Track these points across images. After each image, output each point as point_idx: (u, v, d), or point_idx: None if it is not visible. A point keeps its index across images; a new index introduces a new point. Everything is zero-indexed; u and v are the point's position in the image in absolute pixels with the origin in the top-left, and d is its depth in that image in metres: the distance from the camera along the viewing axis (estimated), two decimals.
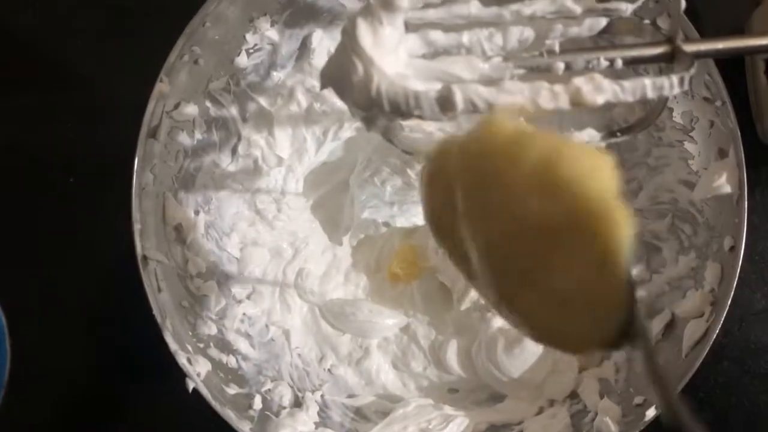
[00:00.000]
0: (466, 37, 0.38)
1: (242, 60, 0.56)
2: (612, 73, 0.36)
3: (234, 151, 0.58)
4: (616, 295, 0.27)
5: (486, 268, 0.32)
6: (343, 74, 0.35)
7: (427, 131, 0.42)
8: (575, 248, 0.27)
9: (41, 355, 0.65)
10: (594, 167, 0.28)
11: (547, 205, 0.28)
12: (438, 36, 0.38)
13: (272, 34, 0.56)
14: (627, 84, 0.33)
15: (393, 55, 0.35)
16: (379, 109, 0.35)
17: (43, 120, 0.68)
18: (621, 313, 0.27)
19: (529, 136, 0.29)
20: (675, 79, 0.33)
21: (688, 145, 0.52)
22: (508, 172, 0.29)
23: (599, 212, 0.26)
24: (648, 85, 0.33)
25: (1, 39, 0.69)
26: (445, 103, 0.33)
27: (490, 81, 0.35)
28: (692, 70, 0.34)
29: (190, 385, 0.50)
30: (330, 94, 0.58)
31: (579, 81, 0.33)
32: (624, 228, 0.26)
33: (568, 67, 0.37)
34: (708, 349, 0.48)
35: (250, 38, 0.55)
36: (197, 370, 0.51)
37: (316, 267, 0.63)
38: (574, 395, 0.56)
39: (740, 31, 0.62)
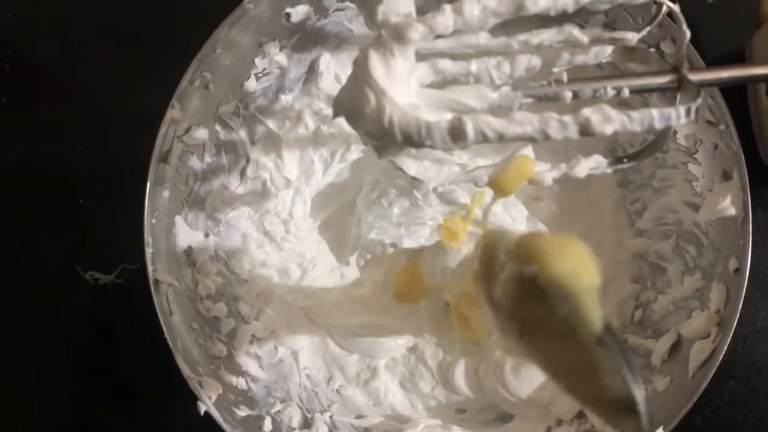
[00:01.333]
0: (474, 66, 0.38)
1: (251, 84, 0.57)
2: (614, 99, 0.37)
3: (243, 174, 0.59)
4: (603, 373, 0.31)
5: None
6: (356, 105, 0.36)
7: (436, 158, 0.42)
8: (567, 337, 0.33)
9: (46, 374, 0.65)
10: (575, 272, 0.34)
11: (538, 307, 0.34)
12: (447, 65, 0.38)
13: (281, 58, 0.57)
14: (635, 114, 0.34)
15: (404, 86, 0.36)
16: (391, 139, 0.35)
17: (53, 142, 0.69)
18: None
19: (527, 250, 0.36)
20: (682, 109, 0.34)
21: (692, 167, 0.53)
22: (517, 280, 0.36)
23: (575, 311, 0.32)
24: (655, 116, 0.34)
25: (13, 62, 0.70)
26: (456, 134, 0.34)
27: (499, 110, 0.36)
28: (699, 100, 0.35)
29: (202, 409, 0.50)
30: (332, 120, 0.59)
31: (588, 111, 0.34)
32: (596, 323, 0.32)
33: (575, 95, 0.38)
34: (715, 369, 0.49)
35: (259, 63, 0.56)
36: (208, 393, 0.51)
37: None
38: (581, 415, 0.56)
39: (740, 53, 0.63)
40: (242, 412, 0.53)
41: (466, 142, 0.34)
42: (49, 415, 0.65)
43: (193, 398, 0.51)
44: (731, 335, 0.49)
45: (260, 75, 0.57)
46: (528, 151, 0.39)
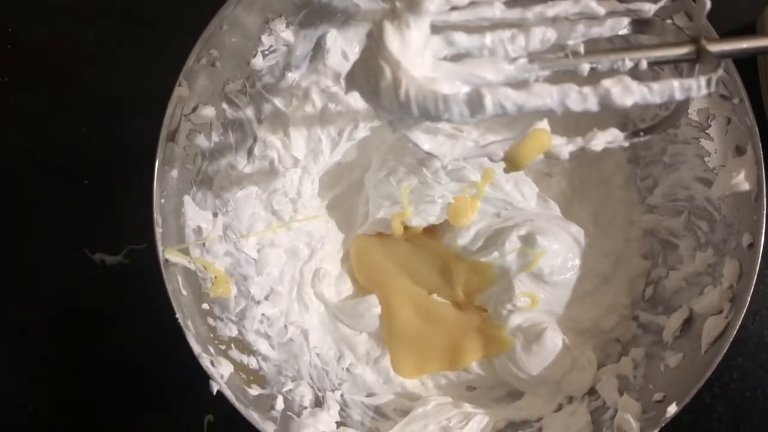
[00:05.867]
0: (488, 39, 0.38)
1: (258, 62, 0.56)
2: (630, 72, 0.37)
3: (250, 153, 0.58)
4: None
5: None
6: (370, 79, 0.35)
7: (449, 133, 0.42)
8: None
9: (53, 357, 0.65)
10: None
11: None
12: (461, 37, 0.37)
13: (287, 35, 0.56)
14: (655, 86, 0.33)
15: (419, 58, 0.36)
16: (407, 113, 0.35)
17: (56, 123, 0.68)
18: None
19: None
20: (702, 80, 0.34)
21: (704, 143, 0.53)
22: None
23: None
24: (676, 87, 0.33)
25: (17, 43, 0.69)
26: (474, 106, 0.34)
27: (516, 83, 0.35)
28: (719, 71, 0.34)
29: (214, 388, 0.50)
30: (345, 95, 0.58)
31: (608, 83, 0.33)
32: None
33: (592, 68, 0.37)
34: (728, 345, 0.48)
35: (266, 40, 0.55)
36: (220, 372, 0.51)
37: (332, 267, 0.63)
38: (592, 392, 0.56)
39: (751, 28, 0.62)
40: (254, 391, 0.53)
41: (484, 114, 0.34)
42: (58, 396, 0.65)
43: (204, 380, 0.51)
44: (745, 310, 0.49)
45: (267, 52, 0.56)
46: (544, 124, 0.38)
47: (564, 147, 0.38)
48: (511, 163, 0.39)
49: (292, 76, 0.59)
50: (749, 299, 0.49)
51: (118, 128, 0.67)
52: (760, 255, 0.49)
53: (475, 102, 0.33)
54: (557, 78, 0.36)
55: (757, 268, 0.49)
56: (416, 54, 0.35)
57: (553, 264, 0.56)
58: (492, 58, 0.37)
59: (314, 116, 0.59)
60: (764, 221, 0.48)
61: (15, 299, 0.67)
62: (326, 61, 0.58)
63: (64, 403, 0.65)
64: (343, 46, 0.59)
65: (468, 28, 0.38)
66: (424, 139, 0.39)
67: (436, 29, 0.37)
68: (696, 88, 0.34)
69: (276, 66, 0.58)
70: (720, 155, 0.52)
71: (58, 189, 0.67)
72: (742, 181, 0.49)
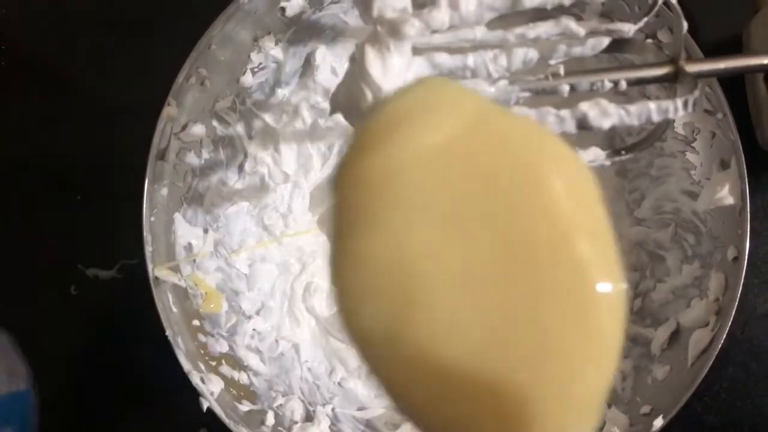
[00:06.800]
0: (471, 60, 0.38)
1: (247, 79, 0.56)
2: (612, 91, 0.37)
3: (241, 169, 0.59)
4: None
5: None
6: (353, 101, 0.36)
7: None
8: None
9: (46, 372, 0.66)
10: None
11: None
12: (443, 59, 0.38)
13: (276, 52, 0.56)
14: (632, 108, 0.34)
15: (401, 82, 0.36)
16: None
17: (50, 138, 0.68)
18: None
19: None
20: (679, 102, 0.34)
21: (690, 156, 0.53)
22: None
23: None
24: (653, 109, 0.34)
25: (7, 58, 0.69)
26: None
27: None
28: (696, 92, 0.35)
29: (204, 405, 0.50)
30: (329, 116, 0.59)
31: (585, 106, 0.34)
32: None
33: (572, 89, 0.38)
34: (714, 358, 0.49)
35: (255, 57, 0.56)
36: (210, 389, 0.51)
37: (323, 281, 0.63)
38: None
39: (737, 38, 0.63)
40: (244, 407, 0.53)
41: None
42: (50, 411, 0.65)
43: (195, 395, 0.51)
44: (730, 323, 0.49)
45: (256, 69, 0.57)
46: None
47: None
48: None
49: (281, 93, 0.59)
50: (734, 312, 0.49)
51: (110, 142, 0.67)
52: (745, 268, 0.49)
53: None
54: (538, 99, 0.37)
55: (742, 281, 0.49)
56: (397, 77, 0.36)
57: None
58: (473, 80, 0.37)
59: (304, 132, 0.60)
60: (748, 235, 0.49)
61: (8, 313, 0.67)
62: (316, 78, 0.59)
63: (51, 414, 0.65)
64: (332, 62, 0.59)
65: (451, 49, 0.38)
66: None
67: (418, 50, 0.38)
68: (673, 109, 0.34)
69: (266, 83, 0.58)
70: (705, 168, 0.52)
71: (50, 204, 0.67)
72: (726, 195, 0.50)
